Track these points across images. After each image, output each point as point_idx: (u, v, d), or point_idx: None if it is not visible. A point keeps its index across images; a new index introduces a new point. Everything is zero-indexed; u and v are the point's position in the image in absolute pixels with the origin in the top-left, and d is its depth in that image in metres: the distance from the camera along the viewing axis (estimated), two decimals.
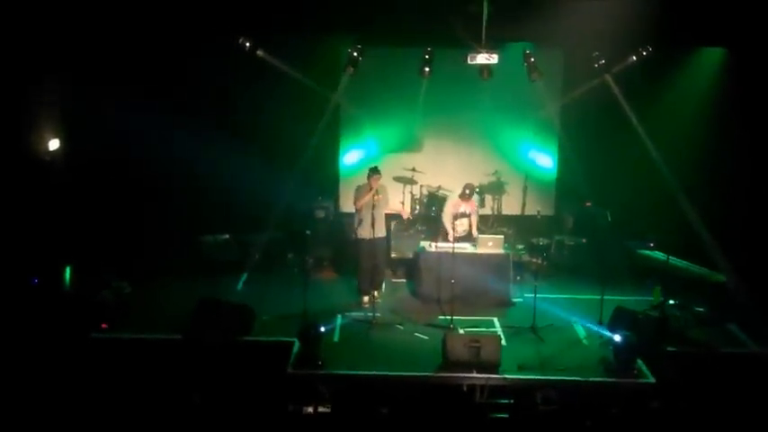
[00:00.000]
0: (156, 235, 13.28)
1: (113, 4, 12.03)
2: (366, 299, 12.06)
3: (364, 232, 11.86)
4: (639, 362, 10.04)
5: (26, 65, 11.64)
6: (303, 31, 13.07)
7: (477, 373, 9.80)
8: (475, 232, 12.74)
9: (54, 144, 12.55)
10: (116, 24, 12.25)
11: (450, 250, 11.83)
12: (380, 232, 12.03)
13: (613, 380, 9.87)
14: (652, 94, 13.92)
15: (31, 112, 12.15)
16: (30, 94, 11.92)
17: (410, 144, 15.24)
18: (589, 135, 14.47)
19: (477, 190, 14.50)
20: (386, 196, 12.08)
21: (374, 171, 11.87)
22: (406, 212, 13.11)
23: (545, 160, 15.51)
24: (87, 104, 12.79)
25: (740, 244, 12.44)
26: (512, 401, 9.57)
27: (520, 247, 14.11)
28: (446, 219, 12.68)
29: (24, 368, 9.67)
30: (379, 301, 12.07)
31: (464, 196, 12.56)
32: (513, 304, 12.29)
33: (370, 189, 11.77)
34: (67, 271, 12.21)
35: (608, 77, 12.99)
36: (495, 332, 11.12)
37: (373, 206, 11.74)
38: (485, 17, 11.90)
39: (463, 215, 12.58)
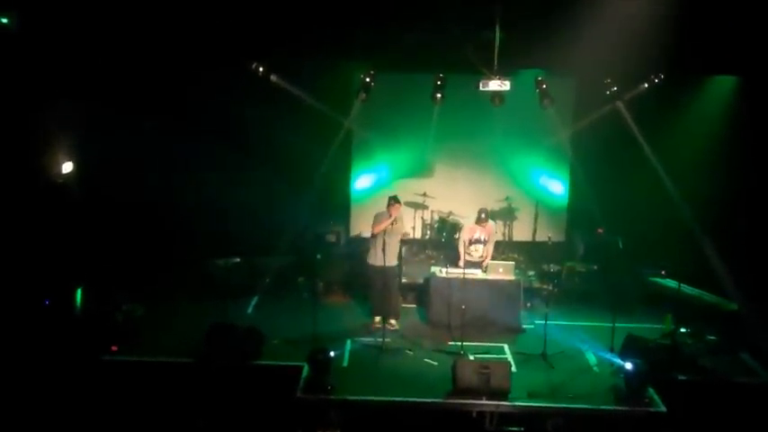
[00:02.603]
0: (168, 258, 13.34)
1: (127, 30, 12.13)
2: (377, 320, 11.98)
3: (375, 260, 11.84)
4: (651, 390, 9.97)
5: (40, 88, 11.73)
6: (316, 56, 13.14)
7: (487, 399, 9.75)
8: (488, 260, 12.67)
9: (67, 167, 12.62)
10: (129, 49, 12.35)
11: (461, 276, 11.82)
12: (392, 261, 11.98)
13: (624, 408, 9.80)
14: (664, 122, 13.91)
15: (45, 135, 12.22)
16: (43, 118, 12.00)
17: (421, 169, 15.27)
18: (600, 162, 14.46)
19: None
20: (401, 225, 12.08)
21: (395, 200, 11.84)
22: None
23: (556, 186, 15.51)
24: (100, 127, 12.88)
25: (753, 272, 12.37)
26: (522, 429, 9.52)
27: (531, 273, 14.08)
28: (460, 244, 12.71)
29: (33, 388, 9.69)
30: (397, 328, 12.07)
31: (480, 221, 12.57)
32: (524, 331, 12.24)
33: (390, 216, 11.74)
34: (79, 293, 12.25)
35: (620, 104, 13.02)
36: (506, 359, 11.09)
37: (385, 233, 11.70)
38: (497, 44, 11.98)
39: (478, 241, 12.55)
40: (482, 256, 12.66)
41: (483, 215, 12.58)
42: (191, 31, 12.28)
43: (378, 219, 11.88)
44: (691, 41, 12.24)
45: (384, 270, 11.86)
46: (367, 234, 12.27)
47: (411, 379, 10.50)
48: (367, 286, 12.38)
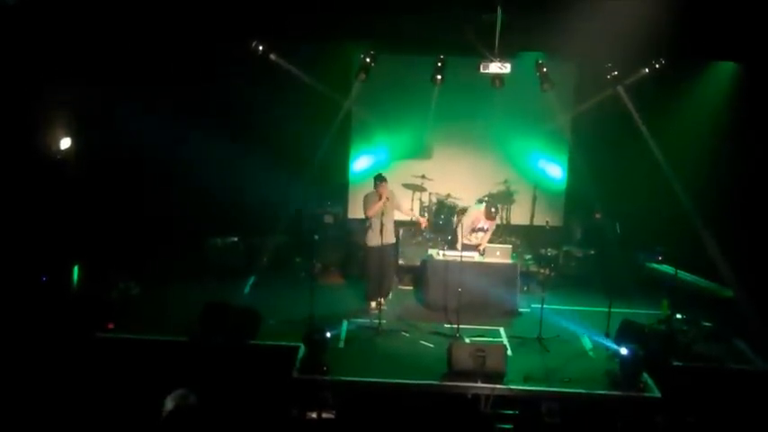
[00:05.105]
0: (165, 236, 13.33)
1: (127, 7, 12.05)
2: (373, 305, 11.97)
3: (374, 240, 11.75)
4: (645, 375, 10.00)
5: (39, 65, 11.66)
6: (316, 36, 13.06)
7: (482, 382, 9.76)
8: (484, 245, 12.64)
9: (65, 143, 12.57)
10: (129, 27, 12.26)
11: (458, 259, 11.82)
12: (389, 239, 11.96)
13: (619, 393, 9.81)
14: (664, 107, 13.86)
15: (44, 112, 12.16)
16: (42, 94, 11.95)
17: (420, 151, 15.25)
18: (600, 146, 14.45)
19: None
20: (394, 201, 12.00)
21: (380, 179, 11.75)
22: (424, 221, 13.09)
23: (555, 170, 15.50)
24: (99, 104, 12.83)
25: (749, 259, 12.38)
26: (517, 412, 9.54)
27: (528, 257, 14.10)
28: (459, 228, 12.66)
29: (29, 365, 9.69)
30: (384, 308, 12.00)
31: (489, 215, 12.45)
32: (520, 314, 12.26)
33: (380, 197, 11.68)
34: (76, 270, 12.24)
35: (620, 89, 12.98)
36: (501, 342, 11.10)
37: (383, 213, 11.63)
38: (498, 26, 11.90)
39: (480, 230, 12.53)
40: (480, 242, 12.63)
41: (494, 210, 12.48)
42: (191, 8, 12.20)
43: (368, 200, 11.79)
44: (692, 27, 12.17)
45: (381, 249, 11.81)
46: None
47: (406, 361, 10.50)
48: (364, 268, 12.35)
